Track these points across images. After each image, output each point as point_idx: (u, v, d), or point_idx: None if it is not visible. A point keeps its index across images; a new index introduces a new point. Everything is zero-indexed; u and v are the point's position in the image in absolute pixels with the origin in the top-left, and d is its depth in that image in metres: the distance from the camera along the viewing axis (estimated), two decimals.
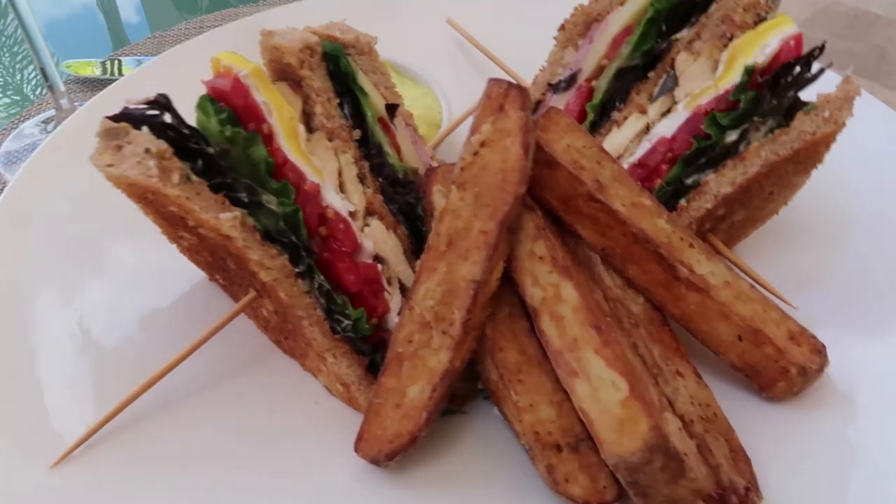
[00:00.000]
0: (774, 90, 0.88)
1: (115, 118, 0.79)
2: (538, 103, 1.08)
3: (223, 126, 0.84)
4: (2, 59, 2.00)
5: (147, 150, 0.76)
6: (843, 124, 0.83)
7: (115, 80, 1.61)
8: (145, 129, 0.78)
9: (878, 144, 1.09)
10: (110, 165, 0.77)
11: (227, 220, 0.79)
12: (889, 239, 0.99)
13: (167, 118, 0.81)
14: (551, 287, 0.81)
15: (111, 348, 0.93)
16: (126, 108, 0.81)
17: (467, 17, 1.41)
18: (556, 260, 0.82)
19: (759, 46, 0.90)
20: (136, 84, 1.29)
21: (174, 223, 0.84)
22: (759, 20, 0.93)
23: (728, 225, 0.95)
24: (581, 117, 1.02)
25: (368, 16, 1.46)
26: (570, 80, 1.04)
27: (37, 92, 1.90)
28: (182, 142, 0.80)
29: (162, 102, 0.81)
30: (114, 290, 1.00)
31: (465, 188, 0.82)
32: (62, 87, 1.40)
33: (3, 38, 2.07)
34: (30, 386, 0.87)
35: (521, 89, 0.83)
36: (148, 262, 1.02)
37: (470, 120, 1.13)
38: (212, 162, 0.81)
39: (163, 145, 0.78)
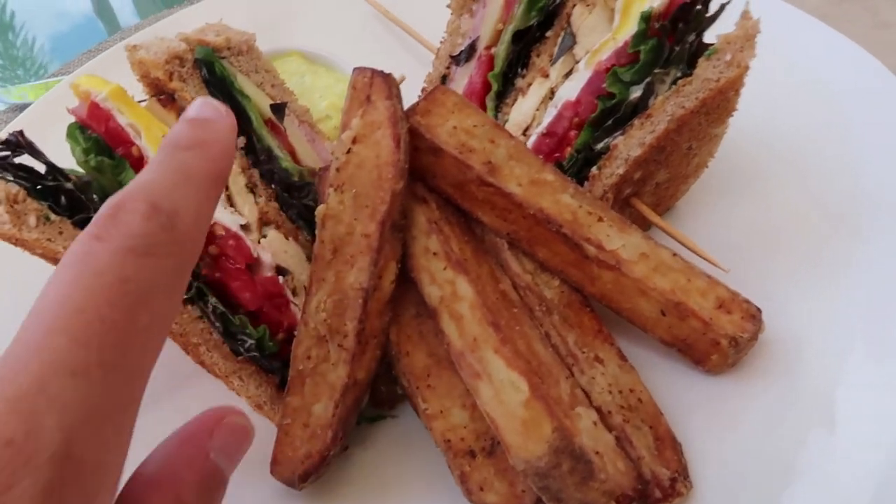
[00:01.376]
0: (674, 36, 0.80)
1: None
2: (444, 77, 1.01)
3: (87, 155, 0.79)
4: None
5: (6, 196, 0.72)
6: (747, 67, 0.75)
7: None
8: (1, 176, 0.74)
9: (808, 63, 1.00)
10: None
11: None
12: (826, 180, 0.92)
13: (23, 157, 0.77)
14: (448, 284, 0.75)
15: None
16: None
17: None
18: (450, 254, 0.76)
19: None
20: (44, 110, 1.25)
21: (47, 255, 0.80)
22: None
23: (653, 187, 0.88)
24: (485, 88, 0.95)
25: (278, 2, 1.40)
26: (471, 50, 0.96)
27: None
28: (38, 181, 0.76)
29: (14, 142, 0.77)
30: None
31: (342, 190, 0.76)
32: None
33: None
34: None
35: (385, 76, 0.76)
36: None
37: None
38: (73, 196, 0.77)
39: (13, 189, 0.73)
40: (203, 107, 0.55)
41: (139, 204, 0.48)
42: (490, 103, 0.95)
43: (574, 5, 0.89)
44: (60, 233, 0.75)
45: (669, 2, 0.81)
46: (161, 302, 0.48)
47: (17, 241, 0.74)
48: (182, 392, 0.92)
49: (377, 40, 1.32)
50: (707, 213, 0.95)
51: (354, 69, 0.79)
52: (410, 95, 0.95)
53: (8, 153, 0.75)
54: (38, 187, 0.75)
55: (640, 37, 0.82)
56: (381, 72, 0.77)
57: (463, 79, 0.98)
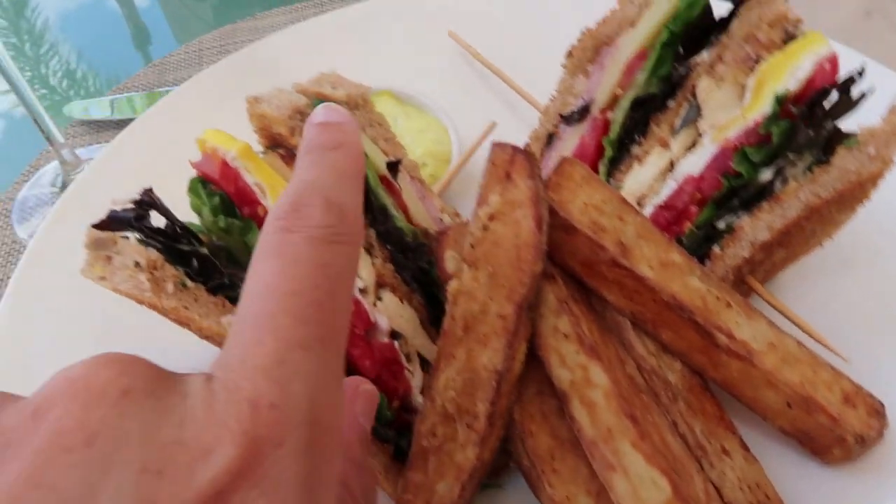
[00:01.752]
0: (810, 121, 0.80)
1: (101, 225, 0.75)
2: (551, 136, 1.00)
3: (216, 216, 0.79)
4: (26, 52, 1.96)
5: (137, 264, 0.72)
6: (892, 162, 0.75)
7: (117, 119, 1.58)
8: (133, 237, 0.74)
9: None
10: (103, 278, 0.73)
11: (228, 323, 0.75)
12: None
13: (153, 220, 0.76)
14: (579, 369, 0.75)
15: None
16: (112, 212, 0.76)
17: (470, 28, 1.33)
18: (582, 338, 0.76)
19: (790, 70, 0.81)
20: (131, 142, 1.25)
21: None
22: (788, 38, 0.84)
23: (767, 265, 0.88)
24: (598, 153, 0.94)
25: (364, 36, 1.39)
26: (583, 111, 0.96)
27: (62, 84, 1.87)
28: (172, 245, 0.76)
29: (147, 202, 0.77)
30: None
31: (477, 267, 0.76)
32: (61, 139, 1.36)
33: (27, 27, 2.03)
34: None
35: (527, 155, 0.76)
36: (156, 340, 0.98)
37: (481, 152, 1.07)
38: (206, 262, 0.77)
39: (153, 254, 0.73)
40: (330, 111, 0.61)
41: (316, 199, 0.54)
42: (602, 168, 0.94)
43: (700, 77, 0.88)
44: (196, 300, 0.74)
45: (806, 84, 0.80)
46: (348, 284, 0.54)
47: (151, 306, 0.74)
48: None
49: (465, 81, 1.31)
50: (809, 288, 0.95)
51: (494, 144, 0.78)
52: (500, 139, 0.96)
53: (143, 213, 0.75)
54: (174, 251, 0.75)
55: (772, 118, 0.81)
56: (523, 149, 0.76)
57: (572, 139, 0.97)
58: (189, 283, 0.74)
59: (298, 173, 0.57)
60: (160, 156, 1.21)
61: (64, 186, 1.41)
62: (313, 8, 1.97)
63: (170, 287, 0.73)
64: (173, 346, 0.92)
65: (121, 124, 1.60)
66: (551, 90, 1.08)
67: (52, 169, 1.48)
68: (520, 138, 1.11)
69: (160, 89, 1.67)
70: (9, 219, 1.42)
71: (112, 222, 0.75)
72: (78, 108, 1.61)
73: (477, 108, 1.25)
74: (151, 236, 0.74)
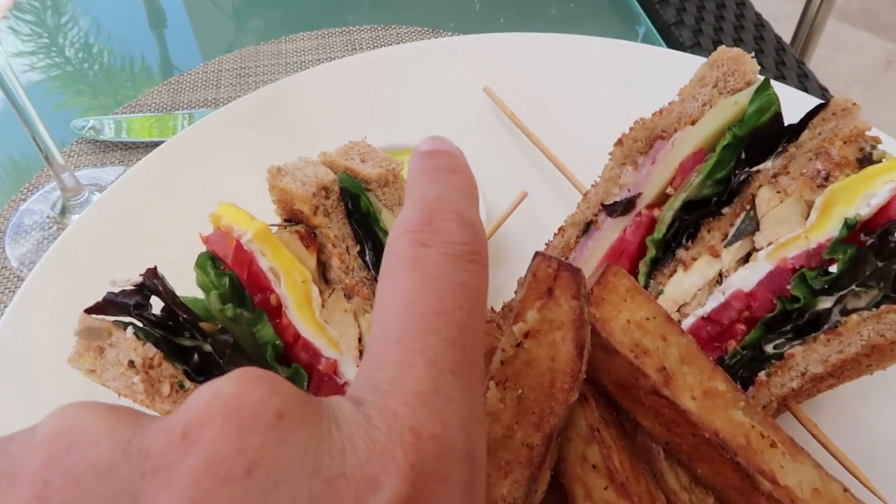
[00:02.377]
0: (881, 252, 0.73)
1: (95, 309, 0.68)
2: (589, 224, 0.94)
3: (224, 304, 0.72)
4: (46, 20, 1.92)
5: (131, 363, 0.65)
6: None
7: (125, 141, 1.51)
8: (130, 331, 0.67)
9: None
10: (92, 371, 0.66)
11: None
12: None
13: (153, 309, 0.70)
14: None
15: None
16: (109, 296, 0.69)
17: (505, 86, 1.26)
18: (612, 473, 0.69)
19: (864, 195, 0.74)
20: (142, 179, 1.18)
21: None
22: (865, 158, 0.78)
23: (811, 392, 0.81)
24: (640, 251, 0.88)
25: (394, 86, 1.32)
26: (628, 205, 0.89)
27: (78, 56, 1.81)
28: (174, 337, 0.69)
29: (150, 286, 0.70)
30: None
31: (505, 387, 0.69)
32: (62, 162, 1.29)
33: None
34: None
35: (573, 271, 0.69)
36: None
37: (511, 220, 1.01)
38: (209, 358, 0.70)
39: (150, 351, 0.67)
40: (439, 141, 0.61)
41: (449, 214, 0.53)
42: (643, 268, 0.87)
43: (761, 187, 0.82)
44: None
45: (880, 212, 0.74)
46: (483, 305, 0.53)
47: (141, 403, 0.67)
48: None
49: (495, 142, 1.24)
50: (847, 414, 0.88)
51: (537, 254, 0.72)
52: (531, 211, 0.90)
53: (143, 302, 0.68)
54: (175, 346, 0.68)
55: (839, 243, 0.75)
56: (570, 265, 0.69)
57: (613, 232, 0.91)
58: (187, 383, 0.68)
59: (420, 190, 0.56)
60: (168, 199, 1.15)
61: (63, 211, 1.34)
62: (340, 35, 1.91)
63: (165, 389, 0.66)
64: None
65: (128, 147, 1.54)
66: (586, 165, 1.02)
67: (51, 189, 1.41)
68: (552, 212, 1.05)
69: (174, 112, 1.60)
70: (1, 241, 1.36)
71: (108, 306, 0.68)
72: (86, 125, 1.54)
73: (508, 171, 1.19)
74: (151, 328, 0.68)
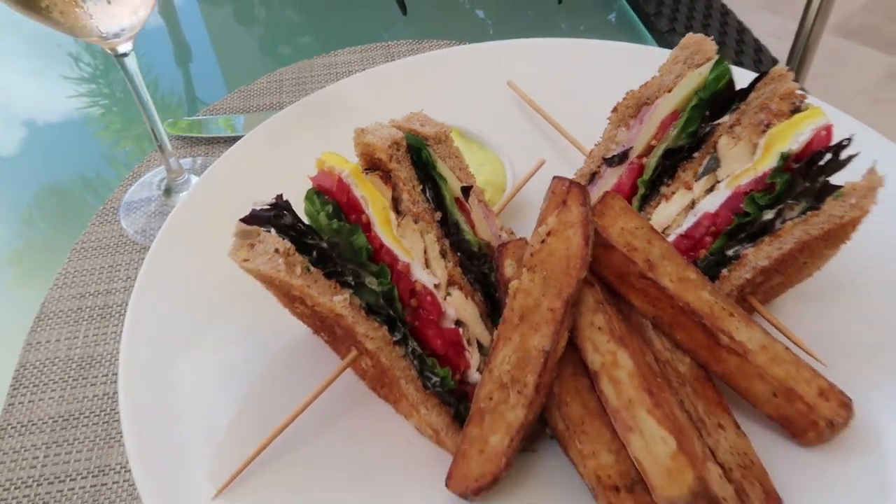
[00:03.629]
0: (807, 175, 1.00)
1: (246, 220, 0.97)
2: (594, 174, 1.22)
3: (330, 220, 1.00)
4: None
5: (276, 250, 0.93)
6: (868, 211, 0.95)
7: (207, 137, 1.82)
8: (272, 230, 0.96)
9: None
10: (246, 260, 0.95)
11: (339, 301, 0.96)
12: None
13: (287, 219, 0.98)
14: (609, 354, 0.95)
15: (245, 399, 1.11)
16: (254, 211, 0.98)
17: (527, 79, 1.56)
18: (613, 330, 0.96)
19: (794, 135, 1.02)
20: (235, 161, 1.47)
21: (293, 300, 1.01)
22: (795, 109, 1.05)
23: (766, 288, 1.08)
24: (633, 190, 1.16)
25: (435, 82, 1.62)
26: (623, 157, 1.17)
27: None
28: (300, 239, 0.97)
29: (281, 205, 0.99)
30: (244, 347, 1.18)
31: (534, 271, 0.97)
32: (170, 148, 1.60)
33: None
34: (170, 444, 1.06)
35: (581, 188, 0.97)
36: (267, 324, 1.19)
37: (530, 184, 1.28)
38: (324, 254, 0.98)
39: (287, 244, 0.95)
40: None
41: None
42: (636, 203, 1.15)
43: (721, 135, 1.10)
44: (315, 281, 0.96)
45: (805, 147, 1.01)
46: None
47: (280, 282, 0.95)
48: (361, 412, 1.12)
49: (519, 124, 1.53)
50: (803, 311, 1.15)
51: (555, 178, 1.00)
52: (548, 176, 1.14)
53: (278, 214, 0.97)
54: (301, 244, 0.97)
55: (777, 171, 1.02)
56: (578, 183, 0.98)
57: (612, 178, 1.19)
58: (312, 268, 0.96)
59: None
60: (260, 173, 1.44)
61: (168, 190, 1.65)
62: (381, 49, 2.22)
63: (298, 270, 0.94)
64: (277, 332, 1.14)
65: (210, 141, 1.85)
66: (590, 138, 1.30)
67: (154, 174, 1.71)
68: (565, 174, 1.32)
69: (246, 113, 1.91)
70: (116, 215, 1.66)
71: (254, 218, 0.97)
72: (180, 125, 1.85)
73: (529, 147, 1.47)
74: (285, 231, 0.96)
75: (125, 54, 1.33)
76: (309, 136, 1.48)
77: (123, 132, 2.08)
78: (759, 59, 1.42)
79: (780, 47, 3.92)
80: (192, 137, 1.84)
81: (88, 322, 1.47)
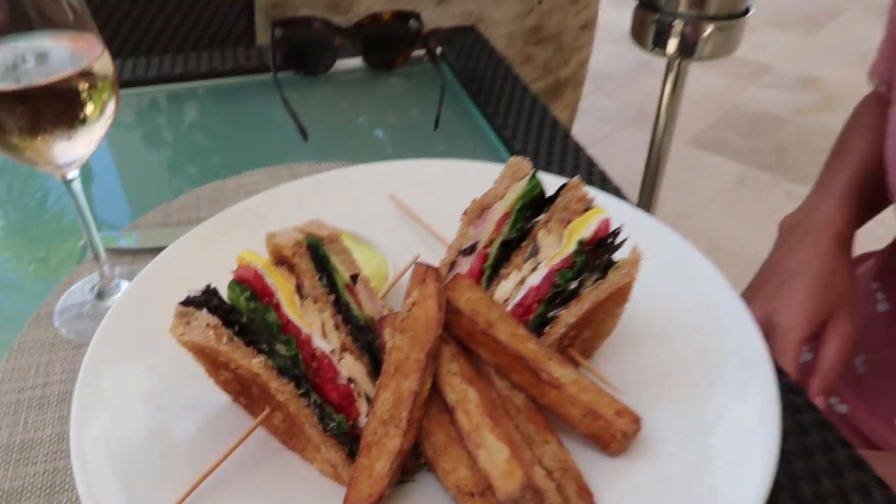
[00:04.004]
0: (596, 255, 1.40)
1: (184, 303, 1.26)
2: (453, 263, 1.58)
3: (248, 303, 1.31)
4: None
5: (207, 324, 1.23)
6: (635, 277, 1.34)
7: (133, 248, 2.10)
8: (204, 310, 1.25)
9: (670, 268, 1.61)
10: (183, 334, 1.23)
11: (256, 363, 1.25)
12: (683, 341, 1.50)
13: (215, 302, 1.28)
14: (462, 392, 1.28)
15: (175, 458, 1.36)
16: (189, 296, 1.28)
17: (406, 191, 1.94)
18: (464, 374, 1.29)
19: (586, 227, 1.42)
20: (164, 264, 1.75)
21: (218, 367, 1.30)
22: (586, 208, 1.46)
23: (581, 341, 1.45)
24: (481, 273, 1.53)
25: (331, 196, 1.98)
26: (472, 248, 1.55)
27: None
28: (226, 316, 1.27)
29: (211, 292, 1.29)
30: (174, 416, 1.44)
31: (403, 333, 1.30)
32: (104, 256, 1.86)
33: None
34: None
35: (435, 270, 1.33)
36: (192, 393, 1.46)
37: (406, 275, 1.63)
38: (244, 327, 1.28)
39: (216, 320, 1.25)
40: None
41: None
42: (483, 282, 1.52)
43: (539, 229, 1.49)
44: (238, 348, 1.25)
45: (594, 234, 1.41)
46: None
47: (209, 350, 1.24)
48: (274, 460, 1.39)
49: (399, 228, 1.90)
50: (607, 355, 1.52)
51: (417, 263, 1.35)
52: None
53: (209, 298, 1.27)
54: (226, 320, 1.27)
55: (577, 253, 1.41)
56: (433, 266, 1.33)
57: (466, 265, 1.55)
58: (235, 338, 1.25)
59: None
60: (188, 272, 1.72)
61: (100, 294, 1.89)
62: (285, 170, 2.57)
63: (224, 339, 1.24)
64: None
65: (137, 252, 2.12)
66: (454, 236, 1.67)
67: (86, 282, 1.96)
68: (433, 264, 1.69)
69: (168, 226, 2.20)
70: (51, 319, 1.88)
71: (190, 302, 1.26)
72: (108, 238, 2.11)
73: (407, 246, 1.83)
74: (213, 310, 1.26)
75: (72, 179, 1.62)
76: (227, 241, 1.78)
77: (52, 246, 2.32)
78: (591, 173, 1.86)
79: (639, 158, 4.60)
80: (117, 249, 2.11)
81: (27, 411, 1.68)
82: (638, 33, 3.98)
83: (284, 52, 2.73)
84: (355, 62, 2.85)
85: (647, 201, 4.76)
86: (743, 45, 10.44)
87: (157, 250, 2.06)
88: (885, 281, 2.08)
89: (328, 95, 2.77)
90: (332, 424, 1.31)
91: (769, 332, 1.70)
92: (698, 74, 8.32)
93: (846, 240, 1.86)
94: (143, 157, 2.69)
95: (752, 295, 1.89)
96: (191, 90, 2.85)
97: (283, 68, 2.78)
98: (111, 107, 1.53)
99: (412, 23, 2.60)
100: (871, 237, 2.16)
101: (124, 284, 1.91)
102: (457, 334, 1.37)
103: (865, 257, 2.25)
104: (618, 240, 1.40)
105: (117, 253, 2.10)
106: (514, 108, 2.29)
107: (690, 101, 7.98)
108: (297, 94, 2.65)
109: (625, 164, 6.01)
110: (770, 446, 1.26)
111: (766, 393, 1.36)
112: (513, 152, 2.07)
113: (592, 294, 1.38)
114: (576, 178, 1.48)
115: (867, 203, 1.91)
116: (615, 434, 1.29)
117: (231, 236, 1.81)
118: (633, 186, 4.80)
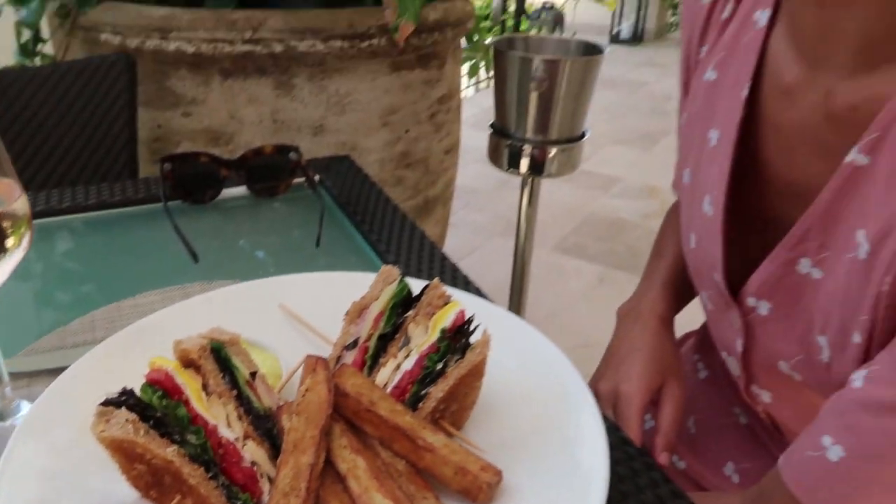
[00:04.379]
0: (455, 339, 1.71)
1: (104, 403, 1.44)
2: (339, 357, 1.85)
3: (161, 400, 1.50)
4: None
5: (126, 420, 1.41)
6: (486, 354, 1.66)
7: (28, 371, 2.20)
8: (123, 408, 1.44)
9: (517, 347, 1.94)
10: (103, 430, 1.40)
11: (170, 452, 1.43)
12: (533, 409, 1.81)
13: (131, 401, 1.47)
14: (351, 461, 1.51)
15: None
16: (108, 398, 1.46)
17: (296, 301, 2.20)
18: (353, 446, 1.53)
19: (446, 317, 1.73)
20: (66, 381, 1.90)
21: (133, 459, 1.47)
22: (445, 303, 1.79)
23: (450, 413, 1.73)
24: (363, 363, 1.79)
25: (226, 309, 2.20)
26: (355, 343, 1.82)
27: None
28: (142, 413, 1.46)
29: (128, 392, 1.48)
30: None
31: (300, 415, 1.53)
32: (7, 379, 1.97)
33: None
34: None
35: (324, 360, 1.58)
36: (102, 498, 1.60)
37: (299, 373, 1.87)
38: (158, 421, 1.47)
39: (133, 416, 1.42)
40: None
41: None
42: (366, 371, 1.78)
43: (409, 322, 1.79)
44: (154, 439, 1.44)
45: (453, 323, 1.72)
46: None
47: (127, 444, 1.42)
48: None
49: (290, 333, 2.14)
50: (476, 427, 1.81)
51: (308, 356, 1.60)
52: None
53: (126, 398, 1.46)
54: (142, 415, 1.45)
55: (440, 340, 1.71)
56: (321, 357, 1.59)
57: (349, 358, 1.81)
58: (151, 430, 1.44)
59: None
60: (94, 384, 1.88)
61: (1, 415, 1.98)
62: (178, 290, 2.76)
63: (141, 432, 1.42)
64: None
65: (32, 375, 2.22)
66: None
67: None
68: None
69: (64, 349, 2.33)
70: None
71: (109, 402, 1.44)
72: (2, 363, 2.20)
73: (298, 348, 2.07)
74: (130, 408, 1.45)
75: None
76: (130, 356, 1.96)
77: None
78: (455, 277, 2.19)
79: (510, 265, 5.05)
80: (14, 373, 2.21)
81: None
82: (494, 156, 4.53)
83: (173, 184, 2.97)
84: (240, 190, 3.13)
85: (517, 303, 5.19)
86: (593, 160, 11.56)
87: (56, 371, 2.19)
88: (702, 353, 2.47)
89: (216, 221, 3.02)
90: (239, 503, 1.50)
91: (617, 401, 2.02)
92: (557, 187, 9.13)
93: (668, 322, 2.24)
94: (37, 285, 2.80)
95: (600, 374, 2.22)
96: (85, 220, 3.02)
97: (173, 198, 3.01)
98: (26, 241, 1.73)
99: (292, 154, 2.94)
100: (696, 321, 2.58)
101: (25, 405, 2.02)
102: (345, 414, 1.61)
103: (687, 337, 2.66)
104: (472, 326, 1.72)
105: (14, 376, 2.20)
106: (387, 225, 2.65)
107: (551, 212, 8.78)
108: (186, 221, 2.88)
109: (498, 271, 6.49)
110: (601, 484, 1.57)
111: (597, 445, 1.67)
112: (387, 263, 2.40)
113: (455, 371, 1.67)
114: (436, 280, 1.81)
115: (681, 292, 2.28)
116: (482, 486, 1.56)
117: (134, 351, 1.99)
118: (506, 291, 5.25)
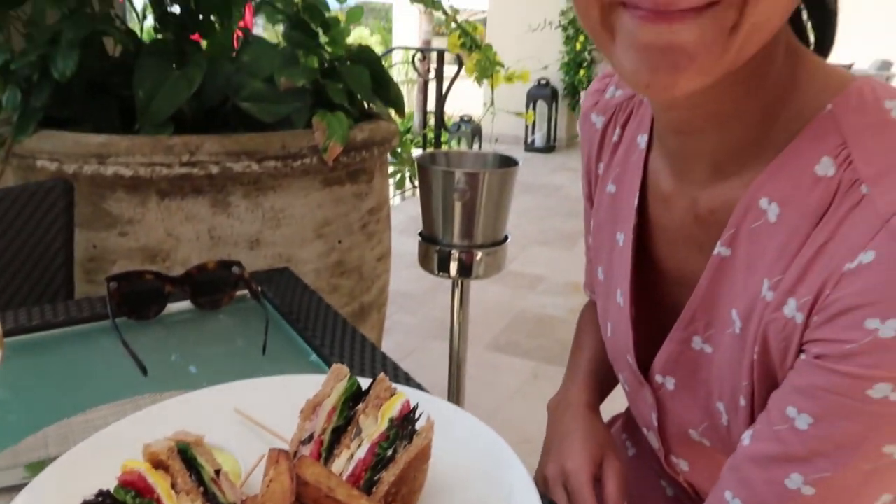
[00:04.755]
0: (403, 427, 1.91)
1: (84, 503, 1.56)
2: (296, 452, 2.00)
3: (134, 499, 1.63)
4: None
5: None
6: (431, 438, 1.86)
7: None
8: None
9: (458, 433, 2.14)
10: None
11: None
12: (475, 488, 2.00)
13: (109, 501, 1.59)
14: None
15: None
16: (85, 499, 1.57)
17: (249, 404, 2.35)
18: None
19: (393, 408, 1.93)
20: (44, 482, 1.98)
21: None
22: (392, 394, 1.99)
23: (401, 496, 1.89)
24: (319, 456, 1.95)
25: (183, 415, 2.32)
26: (311, 437, 1.98)
27: None
28: None
29: (105, 493, 1.60)
30: None
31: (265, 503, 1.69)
32: None
33: None
34: None
35: (286, 452, 1.75)
36: None
37: (259, 468, 2.02)
38: None
39: None
40: None
41: None
42: (322, 461, 1.95)
43: (360, 414, 1.98)
44: None
45: (400, 412, 1.92)
46: None
47: None
48: None
49: (246, 434, 2.28)
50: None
51: (271, 449, 1.76)
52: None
53: (105, 499, 1.58)
54: None
55: (389, 428, 1.90)
56: (284, 451, 1.75)
57: (306, 451, 1.97)
58: None
59: None
60: (66, 493, 1.96)
61: None
62: (130, 403, 2.84)
63: None
64: None
65: None
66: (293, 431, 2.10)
67: None
68: None
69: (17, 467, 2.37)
70: None
71: (89, 502, 1.56)
72: None
73: (255, 448, 2.21)
74: None
75: None
76: (93, 467, 2.06)
77: None
78: (396, 374, 2.40)
79: (446, 365, 5.26)
80: None
81: None
82: (424, 261, 4.82)
83: (119, 301, 3.10)
84: (185, 305, 3.28)
85: (455, 402, 5.36)
86: (519, 261, 12.05)
87: (11, 489, 2.24)
88: (629, 431, 2.70)
89: (162, 335, 3.14)
90: None
91: (567, 479, 2.14)
92: (486, 288, 9.46)
93: (595, 408, 2.45)
94: None
95: (543, 462, 2.40)
96: (30, 341, 3.10)
97: (119, 315, 3.13)
98: None
99: (235, 269, 3.14)
100: (622, 405, 2.83)
101: None
102: (306, 502, 1.77)
103: (615, 419, 2.90)
104: (417, 414, 1.93)
105: None
106: (329, 330, 2.85)
107: (483, 311, 9.06)
108: (133, 336, 2.97)
109: (435, 371, 6.66)
110: None
111: None
112: (331, 365, 2.59)
113: (405, 456, 1.85)
114: (381, 375, 2.02)
115: (604, 381, 2.49)
116: None
117: (97, 461, 2.09)
118: (444, 390, 5.41)
